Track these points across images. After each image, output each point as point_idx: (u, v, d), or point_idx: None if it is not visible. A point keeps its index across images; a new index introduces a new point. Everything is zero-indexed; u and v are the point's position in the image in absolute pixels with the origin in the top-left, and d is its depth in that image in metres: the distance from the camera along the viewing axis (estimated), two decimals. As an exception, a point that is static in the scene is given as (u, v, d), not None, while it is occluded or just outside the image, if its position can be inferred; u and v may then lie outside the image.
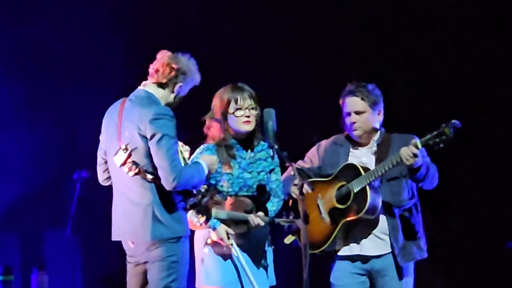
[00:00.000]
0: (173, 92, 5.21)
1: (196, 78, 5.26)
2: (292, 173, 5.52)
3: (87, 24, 8.45)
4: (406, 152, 5.34)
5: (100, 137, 5.29)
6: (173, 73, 5.18)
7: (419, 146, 5.34)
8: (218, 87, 5.63)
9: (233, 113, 5.50)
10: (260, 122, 5.46)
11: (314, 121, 8.03)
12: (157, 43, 5.45)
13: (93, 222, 8.20)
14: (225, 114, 5.52)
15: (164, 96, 5.20)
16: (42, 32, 8.33)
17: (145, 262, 5.12)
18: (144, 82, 5.25)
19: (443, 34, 8.40)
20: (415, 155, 5.32)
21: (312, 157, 5.83)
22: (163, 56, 5.24)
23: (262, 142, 5.60)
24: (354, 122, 5.64)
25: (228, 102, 5.51)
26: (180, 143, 5.20)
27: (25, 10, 8.38)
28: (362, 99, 5.62)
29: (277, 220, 5.51)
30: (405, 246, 5.55)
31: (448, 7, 8.37)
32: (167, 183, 4.96)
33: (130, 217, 5.11)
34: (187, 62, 5.23)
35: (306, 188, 5.34)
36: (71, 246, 8.31)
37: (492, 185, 8.35)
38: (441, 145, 5.31)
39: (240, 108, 5.50)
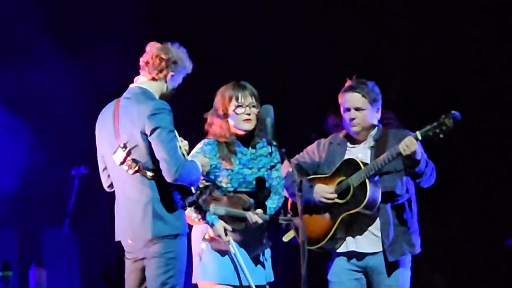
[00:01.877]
0: (166, 83, 5.21)
1: (187, 66, 5.25)
2: (291, 169, 5.55)
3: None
4: (405, 143, 5.34)
5: (96, 141, 5.29)
6: (163, 64, 5.16)
7: (419, 137, 5.34)
8: (218, 84, 5.64)
9: (234, 110, 5.50)
10: (260, 119, 5.47)
11: (313, 118, 8.03)
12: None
13: (91, 219, 8.22)
14: (226, 111, 5.52)
15: (158, 88, 5.20)
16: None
17: (143, 258, 5.13)
18: (136, 78, 5.25)
19: (441, 31, 8.41)
20: (414, 145, 5.32)
21: (312, 154, 5.82)
22: (152, 48, 5.22)
23: (263, 139, 5.60)
24: (354, 118, 5.64)
25: (230, 99, 5.51)
26: (180, 138, 5.21)
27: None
28: (363, 95, 5.61)
29: (275, 218, 5.52)
30: (395, 241, 5.52)
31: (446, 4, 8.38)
32: (170, 175, 4.96)
33: (130, 215, 5.11)
34: (177, 51, 5.21)
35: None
36: (69, 242, 8.32)
37: (491, 182, 8.35)
38: (441, 136, 5.30)
39: (241, 106, 5.49)
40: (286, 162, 5.63)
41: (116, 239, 5.23)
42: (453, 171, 8.31)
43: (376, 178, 5.51)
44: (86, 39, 8.40)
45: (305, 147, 5.94)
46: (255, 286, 5.44)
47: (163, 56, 5.16)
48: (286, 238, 5.75)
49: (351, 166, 5.55)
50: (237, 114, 5.49)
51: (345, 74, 5.76)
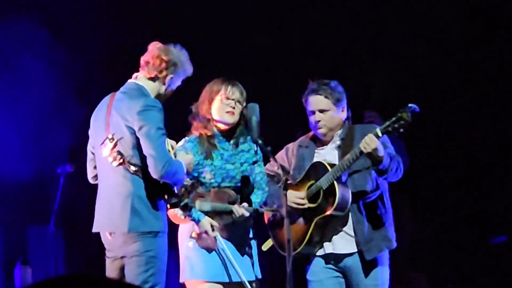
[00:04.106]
0: (164, 84, 5.22)
1: (187, 69, 5.26)
2: (276, 168, 5.56)
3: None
4: (365, 141, 5.33)
5: (89, 132, 5.31)
6: (163, 65, 5.18)
7: (380, 134, 5.33)
8: (203, 82, 5.64)
9: (220, 100, 5.49)
10: (245, 119, 5.47)
11: (298, 117, 8.05)
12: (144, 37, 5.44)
13: (76, 217, 8.19)
14: (211, 101, 5.51)
15: (155, 88, 5.21)
16: None
17: (122, 257, 5.13)
18: (135, 74, 5.26)
19: (421, 31, 8.43)
20: (374, 143, 5.31)
21: (282, 161, 5.80)
22: (153, 48, 5.24)
23: (246, 137, 5.59)
24: (319, 121, 5.62)
25: (217, 91, 5.52)
26: (171, 141, 5.22)
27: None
28: (325, 97, 5.59)
29: (261, 209, 5.54)
30: (371, 238, 5.52)
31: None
32: (156, 171, 4.97)
33: (110, 207, 5.13)
34: (178, 54, 5.23)
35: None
36: (54, 240, 8.29)
37: (474, 181, 8.38)
38: (401, 130, 5.27)
39: (228, 98, 5.50)
40: (267, 165, 5.68)
41: (94, 230, 5.23)
42: (436, 168, 8.34)
43: (344, 178, 5.51)
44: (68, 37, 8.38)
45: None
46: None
47: (164, 57, 5.18)
48: (265, 247, 5.76)
49: (319, 169, 5.55)
50: (222, 103, 5.48)
51: (328, 73, 5.77)
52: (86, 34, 8.29)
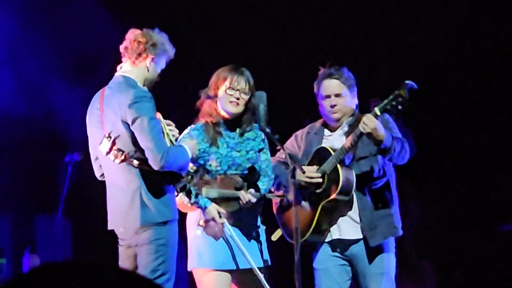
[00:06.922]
0: (148, 67, 5.21)
1: (168, 49, 5.24)
2: (284, 156, 5.56)
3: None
4: (363, 121, 5.34)
5: (87, 131, 5.30)
6: (141, 47, 5.17)
7: (378, 113, 5.34)
8: (210, 70, 5.64)
9: (225, 90, 5.50)
10: (252, 108, 5.46)
11: (305, 105, 8.05)
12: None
13: (84, 206, 8.22)
14: (217, 90, 5.52)
15: (140, 74, 5.19)
16: None
17: (136, 245, 5.15)
18: (119, 66, 5.26)
19: (430, 12, 8.40)
20: (372, 122, 5.30)
21: (292, 148, 5.82)
22: (130, 34, 5.24)
23: (252, 125, 5.59)
24: (335, 105, 5.62)
25: (223, 80, 5.51)
26: (168, 126, 5.20)
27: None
28: (341, 81, 5.62)
29: (268, 195, 5.53)
30: (376, 225, 5.52)
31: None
32: (155, 163, 4.96)
33: (120, 204, 5.14)
34: (156, 35, 5.23)
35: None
36: (62, 229, 8.31)
37: (482, 167, 8.36)
38: (400, 107, 5.29)
39: (232, 88, 5.49)
40: (280, 151, 5.67)
41: (109, 227, 5.25)
42: (443, 155, 8.32)
43: (347, 161, 5.52)
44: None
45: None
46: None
47: (141, 39, 5.17)
48: (274, 237, 5.75)
49: (323, 154, 5.56)
50: (226, 94, 5.48)
51: (336, 59, 5.76)
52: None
